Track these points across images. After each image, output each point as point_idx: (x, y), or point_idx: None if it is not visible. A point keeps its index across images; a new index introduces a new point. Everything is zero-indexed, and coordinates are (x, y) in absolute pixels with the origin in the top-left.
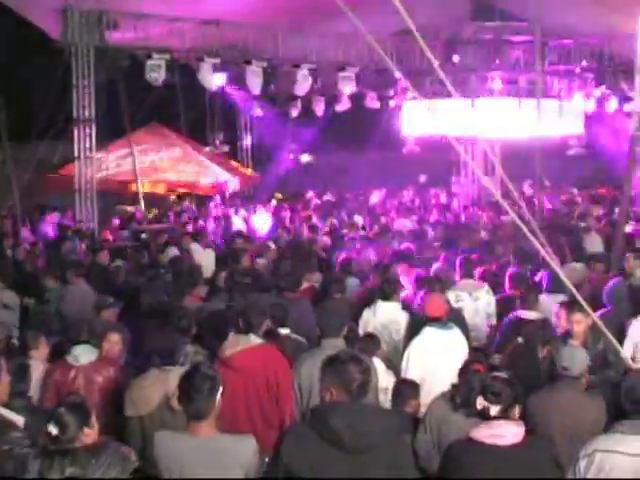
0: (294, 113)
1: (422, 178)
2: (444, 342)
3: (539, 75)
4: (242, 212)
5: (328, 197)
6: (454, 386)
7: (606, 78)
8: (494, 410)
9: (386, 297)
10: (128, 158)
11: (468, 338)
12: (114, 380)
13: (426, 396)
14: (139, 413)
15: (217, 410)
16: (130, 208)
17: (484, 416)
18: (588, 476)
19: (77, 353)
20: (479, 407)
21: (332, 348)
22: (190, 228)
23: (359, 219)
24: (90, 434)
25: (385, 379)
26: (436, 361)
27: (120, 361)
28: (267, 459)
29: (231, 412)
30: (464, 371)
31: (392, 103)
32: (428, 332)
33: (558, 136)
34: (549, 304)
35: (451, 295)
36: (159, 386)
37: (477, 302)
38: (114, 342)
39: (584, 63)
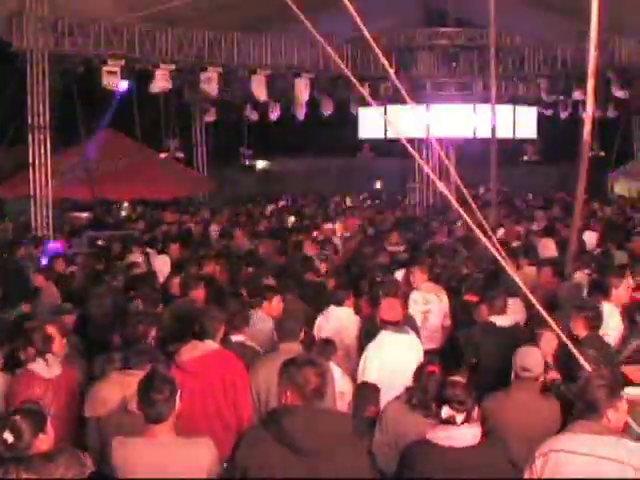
0: (249, 118)
1: (378, 184)
2: (400, 346)
3: (493, 81)
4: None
5: (283, 202)
6: (409, 388)
7: (559, 83)
8: (460, 418)
9: (339, 302)
10: (83, 164)
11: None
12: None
13: (383, 400)
14: (97, 414)
15: (176, 414)
16: (84, 215)
17: (449, 423)
18: (544, 476)
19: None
20: (445, 416)
21: (289, 352)
22: (145, 234)
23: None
24: (45, 440)
25: (341, 383)
26: (393, 365)
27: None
28: (225, 463)
29: (189, 417)
30: (419, 373)
31: (347, 108)
32: (384, 336)
33: (513, 141)
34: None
35: (419, 297)
36: (119, 388)
37: (433, 305)
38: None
39: (538, 69)
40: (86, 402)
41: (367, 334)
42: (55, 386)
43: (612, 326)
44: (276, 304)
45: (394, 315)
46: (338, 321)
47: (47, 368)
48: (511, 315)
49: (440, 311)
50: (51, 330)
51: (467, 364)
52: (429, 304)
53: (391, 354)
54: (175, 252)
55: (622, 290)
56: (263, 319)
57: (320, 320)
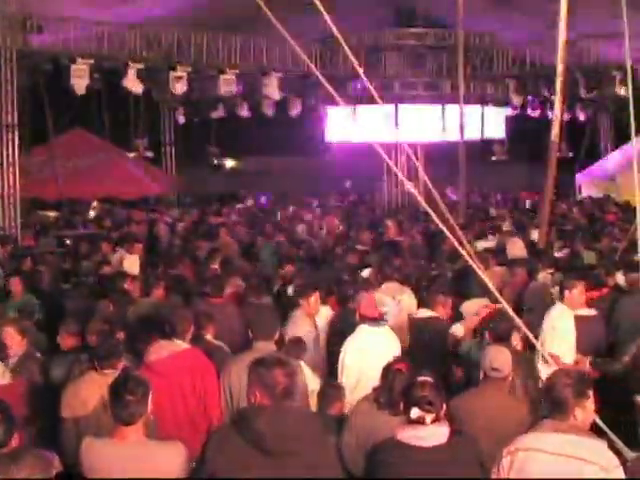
0: (218, 117)
1: (347, 184)
2: (379, 341)
3: (461, 81)
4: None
5: (250, 203)
6: (376, 387)
7: (528, 84)
8: (429, 418)
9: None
10: (51, 163)
11: None
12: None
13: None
14: (75, 415)
15: (147, 416)
16: (53, 214)
17: (417, 423)
18: (511, 474)
19: None
20: (414, 417)
21: (263, 351)
22: (113, 233)
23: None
24: (16, 440)
25: (311, 382)
26: (373, 358)
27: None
28: (193, 463)
29: (157, 417)
30: (386, 371)
31: (316, 108)
32: (363, 331)
33: (481, 141)
34: (472, 308)
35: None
36: (97, 389)
37: (399, 305)
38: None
39: (506, 69)
40: (63, 402)
41: (336, 332)
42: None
43: (560, 327)
44: (314, 302)
45: (372, 310)
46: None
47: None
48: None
49: (400, 312)
50: (9, 331)
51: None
52: (384, 306)
53: (371, 348)
54: (138, 251)
55: (577, 293)
56: (302, 318)
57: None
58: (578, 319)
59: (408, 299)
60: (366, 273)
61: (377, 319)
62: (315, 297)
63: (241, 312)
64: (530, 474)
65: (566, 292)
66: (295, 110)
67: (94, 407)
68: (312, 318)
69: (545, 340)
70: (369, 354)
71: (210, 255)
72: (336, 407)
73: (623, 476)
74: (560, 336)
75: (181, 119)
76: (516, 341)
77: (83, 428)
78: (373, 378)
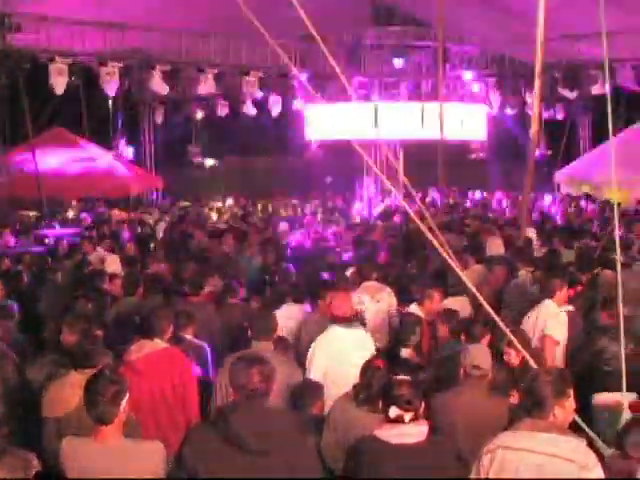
0: (198, 116)
1: (328, 179)
2: (350, 341)
3: (441, 79)
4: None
5: (230, 202)
6: (355, 385)
7: (507, 83)
8: (408, 416)
9: (297, 300)
10: (30, 162)
11: None
12: None
13: (333, 395)
14: (56, 414)
15: (123, 416)
16: (32, 213)
17: (398, 421)
18: (491, 472)
19: None
20: (393, 415)
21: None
22: (94, 232)
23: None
24: None
25: (293, 380)
26: (342, 360)
27: None
28: (171, 462)
29: (137, 416)
30: (365, 369)
31: (296, 107)
32: (333, 331)
33: (461, 141)
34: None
35: (353, 298)
36: (77, 388)
37: (378, 304)
38: None
39: (486, 67)
40: (44, 402)
41: (310, 331)
42: None
43: (562, 317)
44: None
45: (344, 310)
46: (297, 318)
47: None
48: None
49: (378, 312)
50: None
51: None
52: (361, 305)
53: (340, 349)
54: (130, 251)
55: (565, 292)
56: (321, 318)
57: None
58: None
59: (388, 298)
60: (348, 272)
61: (349, 319)
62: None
63: (219, 311)
64: (510, 472)
65: (557, 292)
66: (275, 109)
67: (75, 407)
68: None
69: (547, 326)
70: (337, 354)
71: (188, 254)
72: (317, 406)
73: (602, 473)
74: (562, 324)
75: (159, 118)
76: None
77: (64, 428)
78: (343, 379)
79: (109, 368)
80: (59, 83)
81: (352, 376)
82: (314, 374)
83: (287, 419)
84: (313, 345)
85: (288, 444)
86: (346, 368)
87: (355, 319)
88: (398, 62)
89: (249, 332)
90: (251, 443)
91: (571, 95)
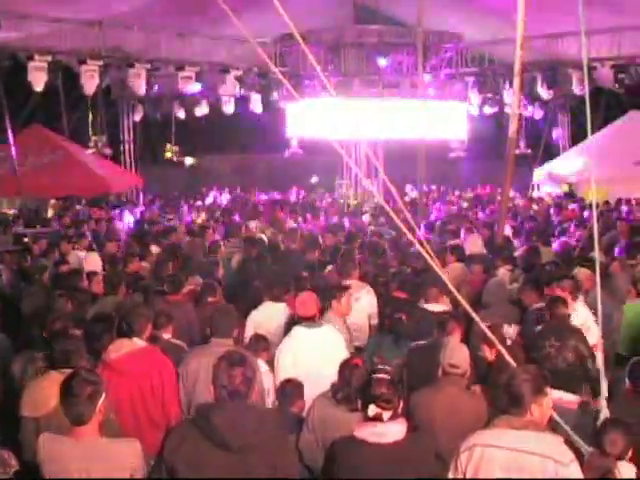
0: (178, 115)
1: (314, 179)
2: (314, 341)
3: (421, 78)
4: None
5: (210, 200)
6: (334, 384)
7: (487, 82)
8: (387, 415)
9: (275, 298)
10: (8, 160)
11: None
12: None
13: (306, 395)
14: (36, 414)
15: (100, 416)
16: (12, 211)
17: (377, 420)
18: (468, 469)
19: None
20: (372, 413)
21: (220, 347)
22: (72, 231)
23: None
24: None
25: (267, 380)
26: (309, 360)
27: None
28: (152, 461)
29: (116, 415)
30: (343, 368)
31: (276, 105)
32: (296, 332)
33: (441, 139)
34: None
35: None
36: (56, 388)
37: (357, 302)
38: None
39: (466, 66)
40: (23, 401)
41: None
42: None
43: None
44: (345, 303)
45: (306, 310)
46: (274, 317)
47: None
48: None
49: (357, 310)
50: None
51: None
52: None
53: (304, 350)
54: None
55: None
56: (333, 320)
57: (254, 315)
58: None
59: (367, 296)
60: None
61: (312, 319)
62: (346, 297)
63: (198, 310)
64: (487, 470)
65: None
66: (255, 107)
67: (54, 407)
68: (343, 319)
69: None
70: (302, 355)
71: (168, 253)
72: (297, 405)
73: (578, 470)
74: None
75: (138, 116)
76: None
77: (44, 427)
78: (313, 379)
79: (86, 368)
80: (38, 80)
81: (323, 376)
82: (280, 375)
83: (268, 418)
84: (279, 347)
85: (268, 443)
86: (315, 368)
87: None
88: (382, 61)
89: (208, 329)
90: (231, 442)
91: (547, 94)
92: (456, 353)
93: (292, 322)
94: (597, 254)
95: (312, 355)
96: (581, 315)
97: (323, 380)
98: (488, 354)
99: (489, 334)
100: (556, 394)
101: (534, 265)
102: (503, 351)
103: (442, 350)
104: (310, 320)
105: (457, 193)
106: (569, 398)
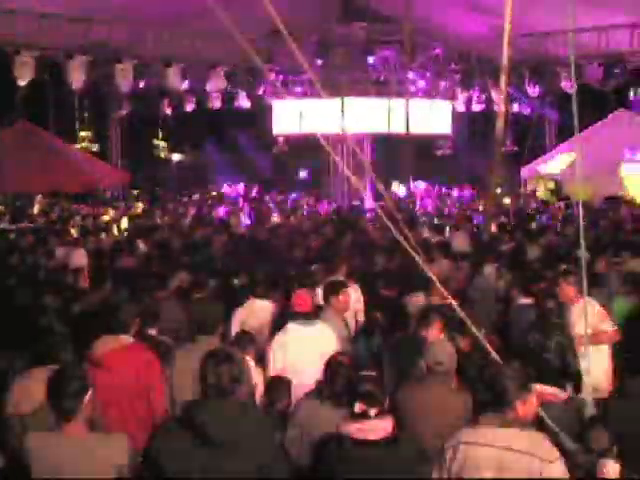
0: (164, 111)
1: (303, 174)
2: (307, 337)
3: (408, 75)
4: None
5: (197, 196)
6: (319, 381)
7: (474, 79)
8: (373, 412)
9: (262, 295)
10: None
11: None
12: None
13: (295, 391)
14: (21, 412)
15: (87, 411)
16: None
17: (362, 417)
18: (453, 466)
19: None
20: (358, 410)
21: (206, 344)
22: (58, 227)
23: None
24: None
25: (254, 376)
26: (300, 357)
27: None
28: (139, 457)
29: (103, 412)
30: (329, 365)
31: (263, 102)
32: (290, 327)
33: (427, 136)
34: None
35: (320, 292)
36: (42, 384)
37: None
38: None
39: (453, 64)
40: (9, 399)
41: (278, 328)
42: None
43: None
44: (344, 299)
45: (302, 306)
46: (261, 314)
47: None
48: None
49: None
50: None
51: None
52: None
53: (297, 345)
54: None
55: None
56: (332, 316)
57: (241, 313)
58: None
59: (354, 294)
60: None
61: (308, 315)
62: (345, 294)
63: (184, 306)
64: (472, 467)
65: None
66: (242, 103)
67: (40, 403)
68: (342, 316)
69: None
70: (294, 351)
71: (154, 249)
72: (284, 402)
73: (563, 467)
74: None
75: (126, 112)
76: (463, 343)
77: (30, 424)
78: (303, 375)
79: (72, 364)
80: (24, 75)
81: (307, 371)
82: (271, 371)
83: (253, 415)
84: (272, 342)
85: (254, 440)
86: (306, 365)
87: (314, 315)
88: (371, 59)
89: (188, 329)
90: (217, 439)
91: (533, 92)
92: (440, 350)
93: (280, 319)
94: (583, 252)
95: (304, 352)
96: (594, 303)
97: (314, 377)
98: (462, 344)
99: (476, 331)
100: (538, 387)
101: (520, 262)
102: (488, 347)
103: (427, 348)
104: (304, 316)
105: (444, 190)
106: (552, 391)
